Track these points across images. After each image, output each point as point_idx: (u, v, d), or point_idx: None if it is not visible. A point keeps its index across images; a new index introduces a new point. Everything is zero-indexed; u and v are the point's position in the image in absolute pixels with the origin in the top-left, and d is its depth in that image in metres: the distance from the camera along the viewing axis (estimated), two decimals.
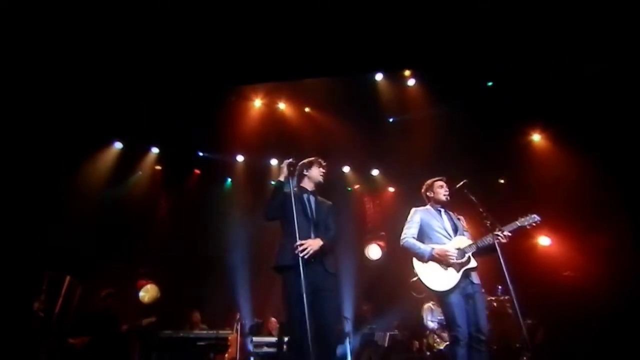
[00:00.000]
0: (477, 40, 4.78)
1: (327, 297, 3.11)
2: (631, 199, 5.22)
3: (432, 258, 3.63)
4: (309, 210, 3.33)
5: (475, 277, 3.61)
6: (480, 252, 3.63)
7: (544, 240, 7.28)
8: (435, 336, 5.84)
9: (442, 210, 3.89)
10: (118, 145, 7.19)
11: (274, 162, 8.08)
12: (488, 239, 3.55)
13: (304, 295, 2.85)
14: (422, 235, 3.79)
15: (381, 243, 8.23)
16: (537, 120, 7.11)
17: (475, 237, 3.76)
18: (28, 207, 5.65)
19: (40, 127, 5.56)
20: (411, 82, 7.24)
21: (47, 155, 5.76)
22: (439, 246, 3.65)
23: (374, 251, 8.26)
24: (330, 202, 3.57)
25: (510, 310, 5.80)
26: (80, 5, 4.47)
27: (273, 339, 6.18)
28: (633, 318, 5.27)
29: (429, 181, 4.02)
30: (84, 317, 5.36)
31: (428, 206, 3.95)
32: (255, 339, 6.26)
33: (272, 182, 5.91)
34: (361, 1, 4.58)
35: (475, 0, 4.42)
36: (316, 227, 3.29)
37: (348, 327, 6.86)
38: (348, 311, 7.48)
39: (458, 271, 3.56)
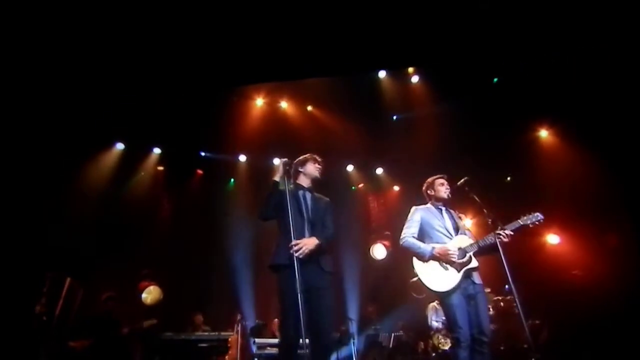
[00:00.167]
0: (479, 38, 4.74)
1: (322, 295, 3.05)
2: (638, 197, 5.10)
3: (433, 257, 3.54)
4: (304, 209, 3.27)
5: (477, 277, 3.51)
6: (482, 252, 3.53)
7: (552, 239, 7.16)
8: (440, 336, 5.75)
9: (443, 208, 3.80)
10: (120, 146, 7.18)
11: (276, 161, 8.01)
12: (490, 238, 3.45)
13: (299, 295, 2.79)
14: (422, 235, 3.71)
15: (386, 243, 8.14)
16: (544, 116, 6.97)
17: (477, 236, 3.65)
18: (30, 208, 5.69)
19: (42, 129, 5.59)
20: (415, 79, 7.15)
21: (48, 157, 5.79)
22: (440, 245, 3.56)
23: (379, 251, 8.18)
24: (328, 199, 3.49)
25: (516, 310, 5.72)
26: (83, 6, 4.48)
27: (276, 340, 6.11)
28: None
29: (429, 179, 3.93)
30: (84, 320, 5.35)
31: (429, 204, 3.86)
32: (258, 340, 6.18)
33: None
34: (362, 1, 4.56)
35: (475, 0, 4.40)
36: (312, 225, 3.24)
37: (353, 328, 6.79)
38: (353, 312, 7.41)
39: (459, 271, 3.46)
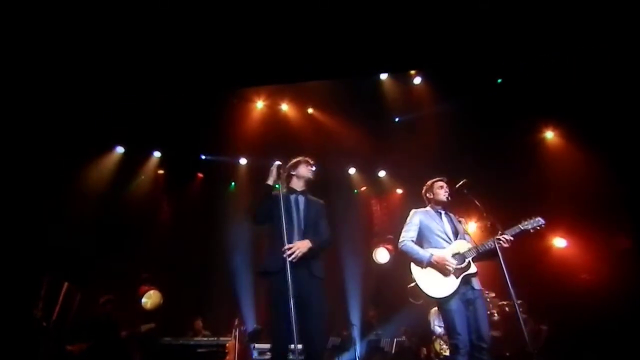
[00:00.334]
0: (479, 38, 4.69)
1: (313, 301, 2.98)
2: None
3: (431, 264, 3.44)
4: (295, 214, 3.22)
5: (476, 283, 3.41)
6: (482, 257, 3.45)
7: (559, 242, 7.00)
8: (442, 342, 5.65)
9: (443, 212, 3.72)
10: (120, 149, 7.17)
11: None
12: (489, 243, 3.36)
13: (291, 302, 2.74)
14: (421, 238, 3.63)
15: (389, 246, 8.03)
16: (549, 117, 6.84)
17: (480, 240, 3.56)
18: (30, 209, 5.70)
19: (42, 129, 5.60)
20: (417, 80, 7.06)
21: (48, 158, 5.80)
22: (438, 252, 3.47)
23: (381, 255, 8.07)
24: (322, 202, 3.43)
25: (523, 315, 5.61)
26: (84, 8, 4.48)
27: None
28: None
29: (428, 182, 3.86)
30: (83, 322, 5.33)
31: (428, 208, 3.78)
32: (258, 345, 6.11)
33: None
34: (362, 5, 4.53)
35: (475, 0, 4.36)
36: (304, 230, 3.18)
37: (355, 333, 6.69)
38: (355, 317, 7.31)
39: (457, 277, 3.37)
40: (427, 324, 6.01)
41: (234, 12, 4.66)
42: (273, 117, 7.39)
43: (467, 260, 3.40)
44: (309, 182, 3.41)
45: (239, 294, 7.29)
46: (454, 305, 3.30)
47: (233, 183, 8.36)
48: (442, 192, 3.70)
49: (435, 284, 3.40)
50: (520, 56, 5.11)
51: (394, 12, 4.61)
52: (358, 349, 6.58)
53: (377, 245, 8.15)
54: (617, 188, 5.73)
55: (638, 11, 4.14)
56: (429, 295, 3.42)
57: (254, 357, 6.11)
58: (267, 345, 6.17)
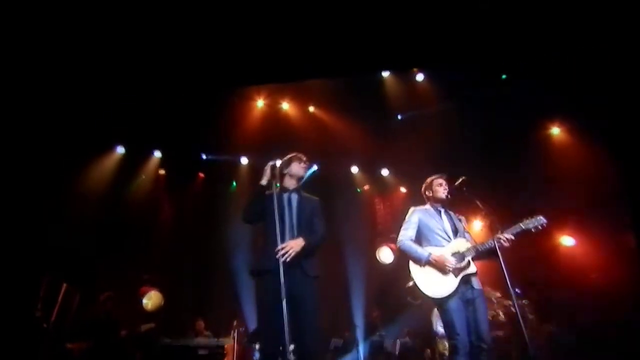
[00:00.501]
0: (479, 38, 4.65)
1: (305, 301, 2.92)
2: None
3: (429, 263, 3.36)
4: (287, 212, 3.15)
5: (476, 282, 3.33)
6: (482, 256, 3.38)
7: (567, 241, 6.87)
8: (445, 342, 5.51)
9: (442, 210, 3.64)
10: (120, 149, 7.16)
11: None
12: (489, 243, 3.29)
13: (283, 302, 2.69)
14: (420, 237, 3.57)
15: (393, 246, 7.90)
16: (555, 113, 6.71)
17: (483, 239, 3.47)
18: (30, 209, 5.70)
19: (42, 129, 5.61)
20: (420, 77, 6.95)
21: (48, 159, 5.80)
22: (437, 251, 3.39)
23: (385, 254, 7.95)
24: (317, 199, 3.36)
25: (530, 315, 5.58)
26: (84, 9, 4.47)
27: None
28: None
29: (428, 179, 3.79)
30: (83, 321, 5.32)
31: (427, 206, 3.72)
32: (259, 346, 6.05)
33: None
34: (363, 3, 4.48)
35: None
36: (299, 227, 3.12)
37: (358, 334, 6.60)
38: (358, 318, 7.22)
39: (457, 276, 3.28)
40: (430, 324, 5.90)
41: (234, 11, 4.64)
42: (274, 116, 7.33)
43: (466, 259, 3.33)
44: (301, 180, 3.34)
45: (240, 294, 7.24)
46: (453, 304, 3.24)
47: (234, 183, 8.31)
48: (441, 189, 3.63)
49: (434, 284, 3.33)
50: (520, 56, 5.04)
51: (394, 11, 4.58)
52: (361, 350, 6.49)
53: (380, 245, 8.02)
54: (625, 185, 5.58)
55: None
56: (427, 295, 3.35)
57: (255, 357, 6.06)
58: None
